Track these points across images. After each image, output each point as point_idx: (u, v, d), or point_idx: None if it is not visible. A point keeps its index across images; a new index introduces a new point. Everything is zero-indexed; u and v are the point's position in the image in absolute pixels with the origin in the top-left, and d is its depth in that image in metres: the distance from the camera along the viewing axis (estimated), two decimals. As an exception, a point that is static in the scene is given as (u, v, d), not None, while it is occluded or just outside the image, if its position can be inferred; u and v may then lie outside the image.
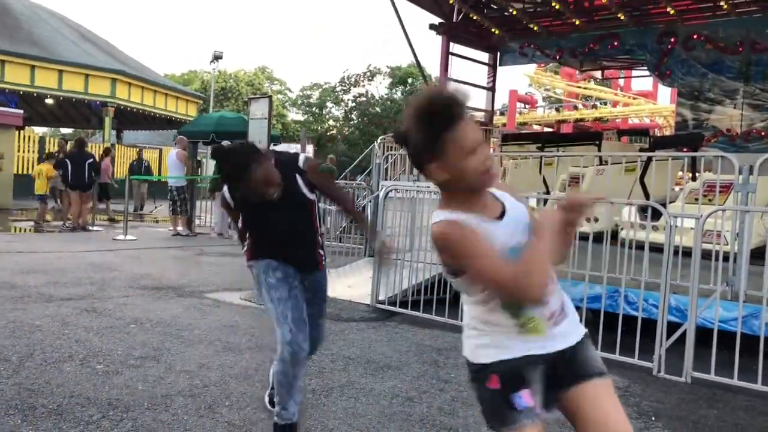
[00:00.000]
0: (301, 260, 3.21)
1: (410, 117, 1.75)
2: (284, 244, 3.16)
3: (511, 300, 1.78)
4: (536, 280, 1.69)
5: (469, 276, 1.78)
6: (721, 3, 11.81)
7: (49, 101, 26.84)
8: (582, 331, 1.92)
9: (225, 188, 3.20)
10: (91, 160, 12.71)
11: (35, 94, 23.87)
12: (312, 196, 3.17)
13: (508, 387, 1.79)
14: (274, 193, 2.97)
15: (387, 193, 6.81)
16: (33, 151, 22.14)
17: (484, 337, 1.85)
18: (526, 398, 1.77)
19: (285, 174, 3.02)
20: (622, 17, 13.22)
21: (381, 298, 6.32)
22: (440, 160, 1.73)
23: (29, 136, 22.91)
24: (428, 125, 1.72)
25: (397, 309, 6.11)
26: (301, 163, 3.14)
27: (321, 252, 3.30)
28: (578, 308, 5.37)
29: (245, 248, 3.29)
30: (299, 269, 3.19)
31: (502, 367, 1.80)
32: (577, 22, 13.92)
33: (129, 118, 29.04)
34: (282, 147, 38.33)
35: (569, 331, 1.87)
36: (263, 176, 2.89)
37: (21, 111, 17.52)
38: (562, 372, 1.85)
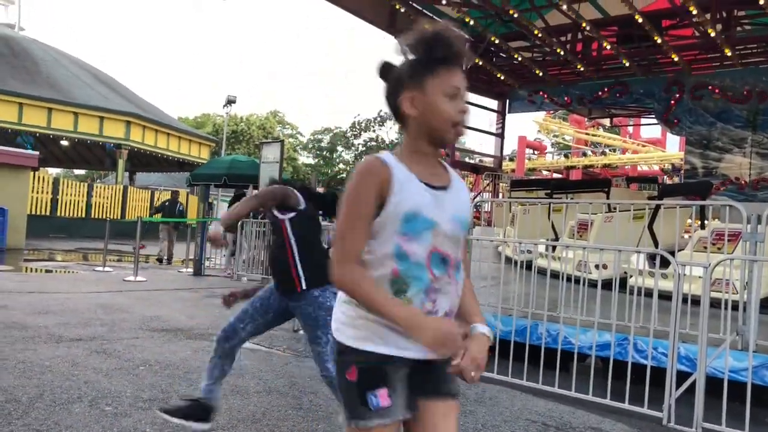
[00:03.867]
0: (278, 281, 3.57)
1: (407, 43, 1.70)
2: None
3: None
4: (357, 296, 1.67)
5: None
6: (728, 53, 11.99)
7: (64, 143, 27.28)
8: None
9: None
10: None
11: (51, 136, 24.31)
12: (282, 216, 3.48)
13: (365, 383, 1.69)
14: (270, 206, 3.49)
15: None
16: (47, 192, 22.43)
17: (360, 314, 1.72)
18: (381, 398, 1.68)
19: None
20: (630, 66, 13.42)
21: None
22: (418, 91, 1.68)
23: (43, 177, 23.24)
24: (424, 53, 1.68)
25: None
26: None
27: (298, 273, 3.44)
28: (587, 356, 5.38)
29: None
30: (280, 291, 3.55)
31: (365, 360, 1.70)
32: (585, 71, 14.15)
33: (142, 161, 29.44)
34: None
35: None
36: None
37: (37, 152, 17.80)
38: (420, 379, 1.77)
